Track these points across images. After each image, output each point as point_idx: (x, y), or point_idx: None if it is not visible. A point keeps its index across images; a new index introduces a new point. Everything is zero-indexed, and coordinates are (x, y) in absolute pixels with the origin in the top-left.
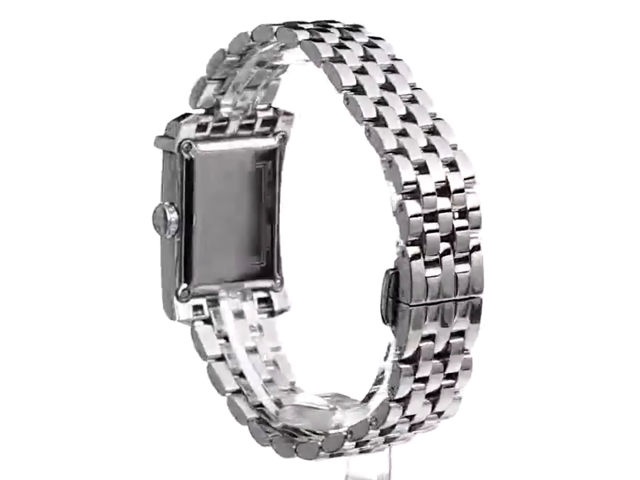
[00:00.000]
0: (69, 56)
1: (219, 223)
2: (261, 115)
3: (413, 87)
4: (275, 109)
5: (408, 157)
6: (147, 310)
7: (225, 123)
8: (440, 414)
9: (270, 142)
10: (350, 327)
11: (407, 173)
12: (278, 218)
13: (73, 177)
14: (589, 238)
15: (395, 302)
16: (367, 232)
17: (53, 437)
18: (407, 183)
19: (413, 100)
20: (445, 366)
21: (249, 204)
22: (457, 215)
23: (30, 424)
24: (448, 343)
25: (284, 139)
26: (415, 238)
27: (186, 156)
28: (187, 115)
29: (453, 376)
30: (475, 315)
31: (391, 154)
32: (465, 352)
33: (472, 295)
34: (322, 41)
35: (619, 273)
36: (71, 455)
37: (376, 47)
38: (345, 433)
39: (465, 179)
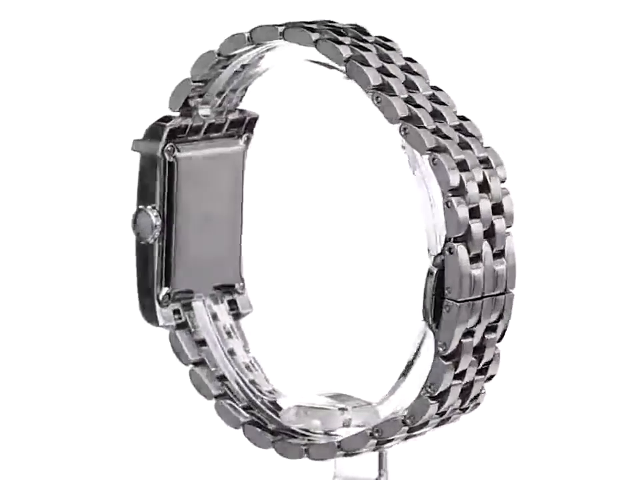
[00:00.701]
0: (40, 61)
1: (196, 226)
2: (230, 117)
3: (432, 87)
4: (242, 111)
5: (450, 155)
6: (116, 313)
7: (200, 125)
8: (465, 409)
9: (237, 144)
10: (321, 327)
11: (454, 172)
12: (242, 221)
13: (38, 181)
14: (594, 233)
15: (440, 299)
16: (332, 232)
17: (37, 439)
18: (454, 182)
19: (435, 99)
20: (480, 360)
21: (220, 206)
22: (493, 211)
23: (12, 429)
24: (483, 337)
25: (248, 140)
26: (461, 235)
27: (169, 159)
28: (168, 117)
29: (484, 370)
30: (507, 309)
31: (435, 152)
32: (496, 346)
33: (506, 290)
34: (338, 41)
35: (625, 270)
36: (58, 458)
37: (388, 47)
38: (371, 431)
39: (499, 176)
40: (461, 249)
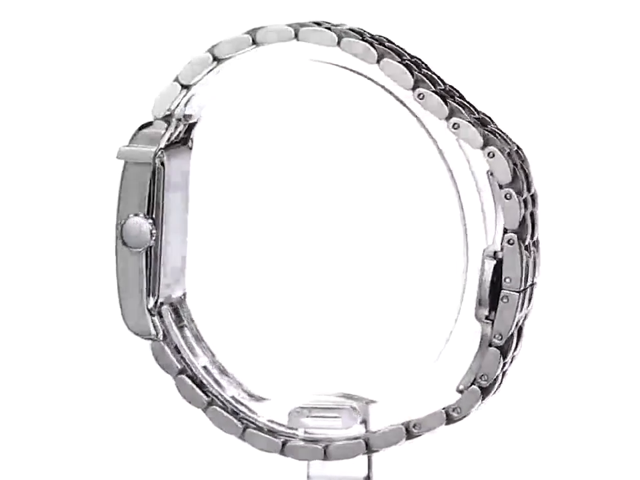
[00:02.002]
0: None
1: (174, 234)
2: (186, 121)
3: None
4: (190, 115)
5: (501, 149)
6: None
7: (172, 130)
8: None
9: (188, 149)
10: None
11: (510, 164)
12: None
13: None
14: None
15: (495, 290)
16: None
17: (31, 444)
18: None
19: (454, 92)
20: (515, 348)
21: (184, 213)
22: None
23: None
24: (521, 326)
25: (192, 144)
26: (518, 226)
27: (158, 165)
28: (150, 123)
29: (513, 359)
30: (532, 298)
31: (490, 147)
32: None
33: (536, 280)
34: (364, 40)
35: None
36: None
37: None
38: (407, 426)
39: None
40: (519, 241)
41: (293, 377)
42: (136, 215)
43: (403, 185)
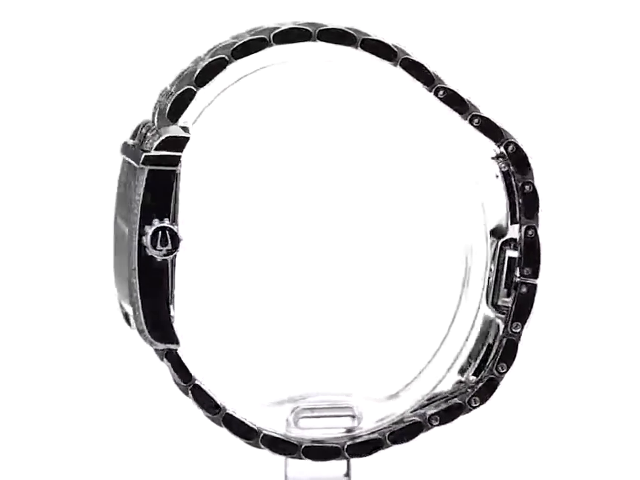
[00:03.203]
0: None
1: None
2: None
3: None
4: None
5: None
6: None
7: None
8: None
9: None
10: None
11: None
12: None
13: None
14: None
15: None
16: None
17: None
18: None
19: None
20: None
21: None
22: None
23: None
24: None
25: None
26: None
27: (178, 170)
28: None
29: None
30: None
31: (509, 140)
32: None
33: None
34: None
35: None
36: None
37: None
38: (427, 419)
39: None
40: (536, 232)
41: (291, 377)
42: (161, 220)
43: (410, 181)
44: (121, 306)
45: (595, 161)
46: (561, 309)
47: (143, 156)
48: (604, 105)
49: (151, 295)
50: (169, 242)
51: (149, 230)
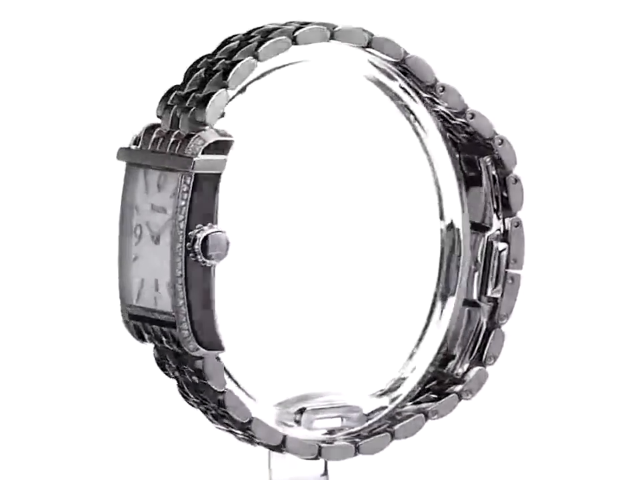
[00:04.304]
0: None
1: None
2: None
3: None
4: None
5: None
6: None
7: None
8: None
9: None
10: None
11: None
12: None
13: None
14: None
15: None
16: None
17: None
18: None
19: None
20: None
21: None
22: None
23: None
24: None
25: None
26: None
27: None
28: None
29: None
30: None
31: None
32: None
33: None
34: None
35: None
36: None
37: None
38: (427, 413)
39: None
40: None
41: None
42: (206, 225)
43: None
44: (134, 318)
45: (577, 154)
46: (545, 299)
47: (193, 161)
48: (586, 97)
49: (200, 301)
50: (218, 247)
51: (200, 236)
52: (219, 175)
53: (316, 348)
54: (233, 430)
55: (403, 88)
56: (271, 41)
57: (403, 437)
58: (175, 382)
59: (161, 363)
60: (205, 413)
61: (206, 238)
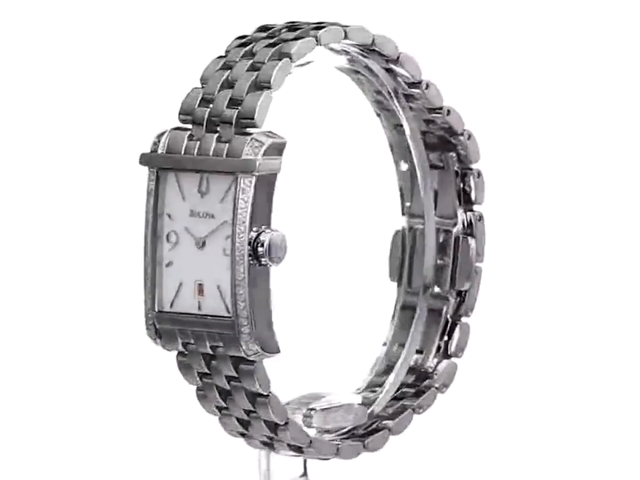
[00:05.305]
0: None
1: None
2: None
3: None
4: None
5: None
6: None
7: None
8: None
9: None
10: None
11: None
12: None
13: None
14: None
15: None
16: None
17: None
18: None
19: None
20: None
21: None
22: None
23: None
24: None
25: None
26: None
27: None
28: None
29: None
30: None
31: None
32: None
33: None
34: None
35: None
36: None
37: None
38: (414, 408)
39: None
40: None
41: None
42: (269, 228)
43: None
44: (167, 323)
45: (538, 147)
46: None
47: (258, 163)
48: (548, 90)
49: (261, 304)
50: (281, 249)
51: (264, 238)
52: (275, 175)
53: (292, 350)
54: (249, 435)
55: (368, 68)
56: (302, 40)
57: (398, 433)
58: (194, 388)
59: (186, 369)
60: (222, 419)
61: (270, 240)
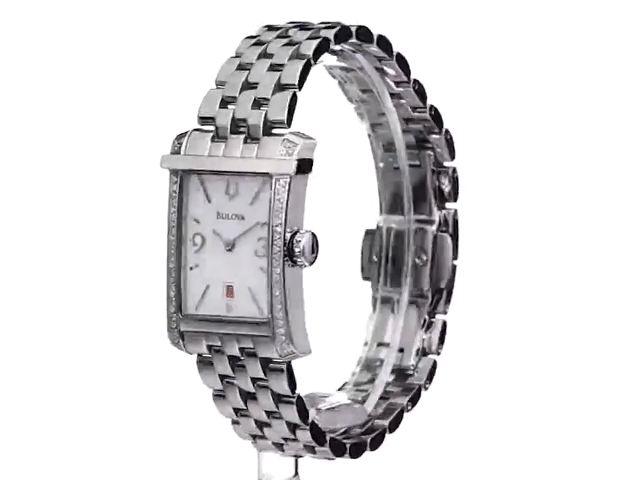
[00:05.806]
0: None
1: None
2: None
3: None
4: None
5: None
6: None
7: None
8: None
9: None
10: None
11: None
12: None
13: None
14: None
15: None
16: None
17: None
18: None
19: None
20: None
21: None
22: None
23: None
24: None
25: None
26: None
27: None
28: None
29: None
30: None
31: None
32: None
33: None
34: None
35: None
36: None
37: None
38: (404, 406)
39: None
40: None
41: None
42: (302, 229)
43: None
44: (193, 325)
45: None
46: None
47: (297, 164)
48: (528, 90)
49: (296, 305)
50: (314, 249)
51: (301, 239)
52: (307, 176)
53: None
54: (263, 436)
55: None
56: (318, 40)
57: (393, 431)
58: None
59: (207, 371)
60: (238, 420)
61: (306, 241)
